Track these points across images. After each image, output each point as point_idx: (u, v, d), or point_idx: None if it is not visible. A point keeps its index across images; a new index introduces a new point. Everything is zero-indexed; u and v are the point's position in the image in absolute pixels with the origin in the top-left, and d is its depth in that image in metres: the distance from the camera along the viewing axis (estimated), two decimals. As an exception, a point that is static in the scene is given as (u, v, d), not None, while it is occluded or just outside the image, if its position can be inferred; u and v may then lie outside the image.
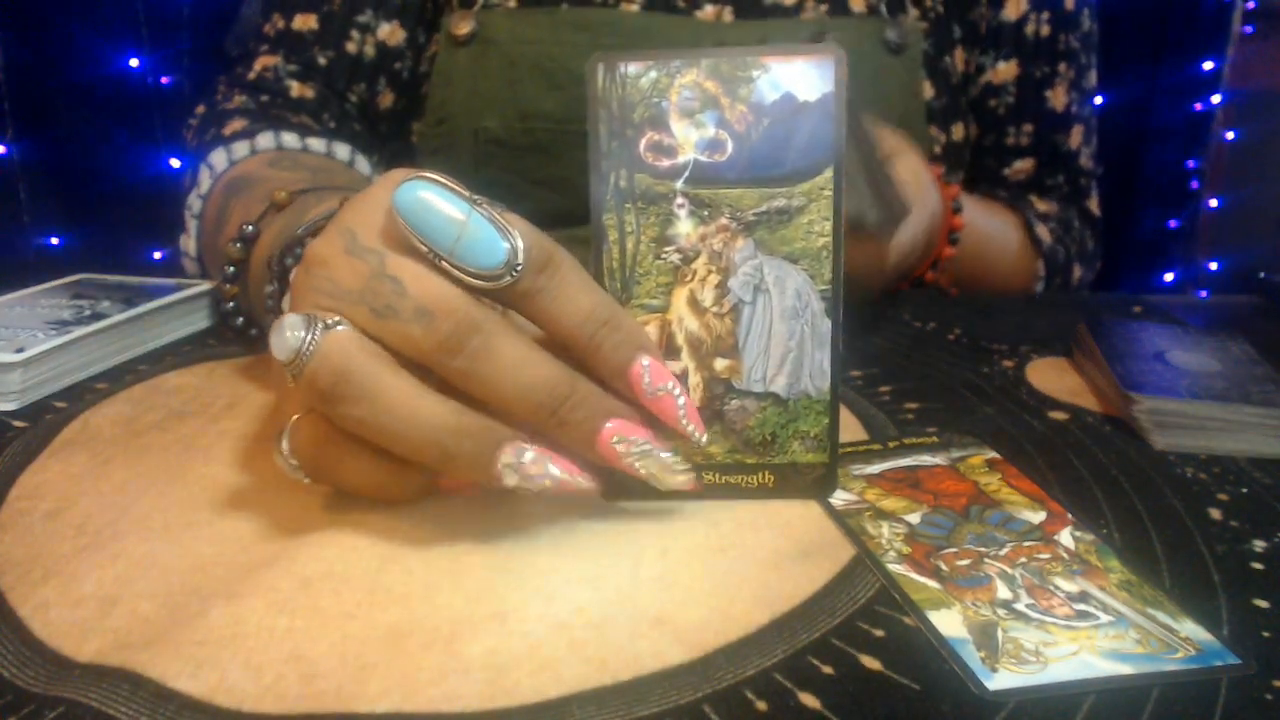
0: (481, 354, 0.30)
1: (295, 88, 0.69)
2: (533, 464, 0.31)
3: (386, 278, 0.30)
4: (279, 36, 0.72)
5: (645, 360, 0.32)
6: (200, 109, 0.70)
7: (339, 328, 0.30)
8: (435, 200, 0.30)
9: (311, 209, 0.43)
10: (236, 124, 0.65)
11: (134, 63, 1.41)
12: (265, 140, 0.61)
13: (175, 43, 1.42)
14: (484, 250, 0.30)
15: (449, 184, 0.30)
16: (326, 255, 0.31)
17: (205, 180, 0.58)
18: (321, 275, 0.31)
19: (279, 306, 0.40)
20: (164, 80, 1.42)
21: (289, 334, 0.30)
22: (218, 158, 0.59)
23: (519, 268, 0.30)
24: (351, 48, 0.71)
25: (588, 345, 0.32)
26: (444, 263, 0.30)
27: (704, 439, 0.33)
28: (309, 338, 0.30)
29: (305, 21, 0.71)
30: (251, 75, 0.70)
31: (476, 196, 0.30)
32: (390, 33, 0.71)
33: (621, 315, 0.32)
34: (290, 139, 0.62)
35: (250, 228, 0.46)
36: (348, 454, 0.32)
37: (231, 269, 0.46)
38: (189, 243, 0.60)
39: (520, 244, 0.30)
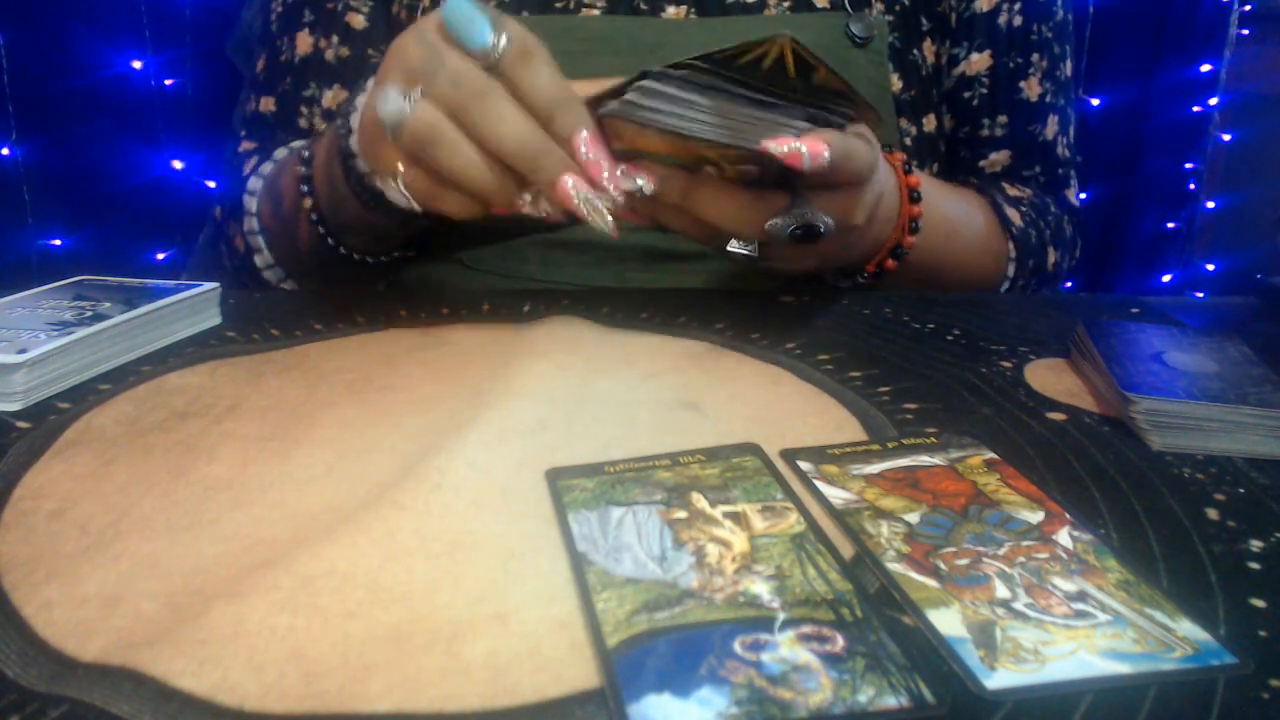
0: (491, 114, 0.44)
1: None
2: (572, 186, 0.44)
3: (437, 57, 0.44)
4: (250, 119, 0.75)
5: (584, 134, 0.45)
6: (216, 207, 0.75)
7: (423, 98, 0.44)
8: (463, 9, 0.44)
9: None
10: (249, 164, 0.70)
11: (137, 65, 1.41)
12: (280, 153, 0.70)
13: (178, 45, 1.42)
14: (476, 35, 0.44)
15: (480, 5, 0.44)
16: (403, 44, 0.46)
17: (251, 202, 0.68)
18: (399, 58, 0.45)
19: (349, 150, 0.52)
20: (167, 83, 1.43)
21: (390, 104, 0.44)
22: (253, 184, 0.68)
23: (501, 50, 0.44)
24: (303, 124, 0.73)
25: (546, 117, 0.44)
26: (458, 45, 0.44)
27: (619, 200, 0.45)
28: (407, 105, 0.44)
29: (267, 104, 0.74)
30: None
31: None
32: (333, 98, 0.72)
33: (574, 101, 0.45)
34: (296, 143, 0.70)
35: (307, 153, 0.60)
36: (445, 188, 0.46)
37: (305, 187, 0.60)
38: (257, 240, 0.68)
39: (503, 37, 0.44)
